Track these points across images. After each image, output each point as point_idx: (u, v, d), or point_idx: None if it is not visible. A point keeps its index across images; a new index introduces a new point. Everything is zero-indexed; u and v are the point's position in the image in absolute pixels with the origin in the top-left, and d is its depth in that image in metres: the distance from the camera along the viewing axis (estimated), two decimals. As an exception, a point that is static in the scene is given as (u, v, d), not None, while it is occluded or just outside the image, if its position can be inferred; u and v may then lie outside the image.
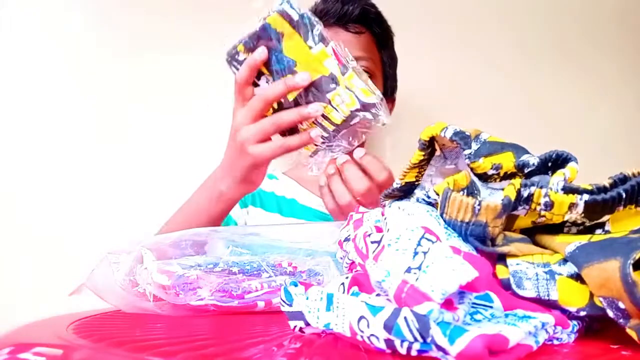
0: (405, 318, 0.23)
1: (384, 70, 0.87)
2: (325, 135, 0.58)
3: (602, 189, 0.28)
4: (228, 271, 0.45)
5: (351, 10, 0.83)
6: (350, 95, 0.54)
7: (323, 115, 0.56)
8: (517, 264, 0.29)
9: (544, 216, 0.29)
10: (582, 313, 0.27)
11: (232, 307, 0.43)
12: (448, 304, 0.23)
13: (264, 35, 0.56)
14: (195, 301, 0.43)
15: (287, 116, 0.57)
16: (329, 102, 0.55)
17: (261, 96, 0.57)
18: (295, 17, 0.55)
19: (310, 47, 0.55)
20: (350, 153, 0.59)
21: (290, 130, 0.59)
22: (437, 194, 0.32)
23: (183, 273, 0.43)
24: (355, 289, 0.31)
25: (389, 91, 0.89)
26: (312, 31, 0.55)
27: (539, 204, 0.29)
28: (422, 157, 0.37)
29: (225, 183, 0.63)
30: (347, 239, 0.39)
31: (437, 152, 0.38)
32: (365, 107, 0.55)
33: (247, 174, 0.60)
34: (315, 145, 0.59)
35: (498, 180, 0.34)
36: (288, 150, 0.58)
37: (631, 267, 0.24)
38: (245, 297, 0.44)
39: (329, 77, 0.55)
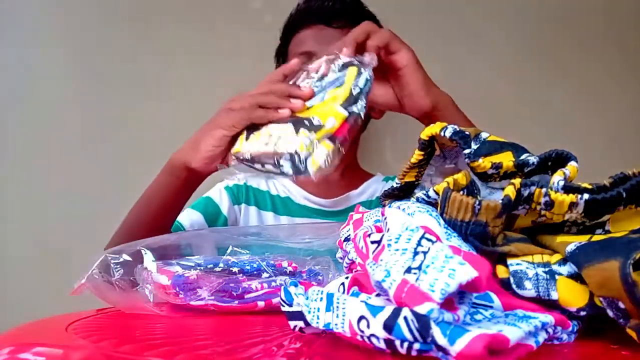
0: (405, 318, 0.23)
1: None
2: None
3: (603, 188, 0.28)
4: (228, 271, 0.45)
5: (331, 5, 0.83)
6: (308, 145, 0.50)
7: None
8: (517, 264, 0.29)
9: (544, 216, 0.29)
10: (582, 313, 0.27)
11: (232, 307, 0.43)
12: (448, 304, 0.23)
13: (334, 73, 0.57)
14: (195, 301, 0.43)
15: (269, 98, 0.56)
16: (295, 131, 0.52)
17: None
18: (361, 85, 0.54)
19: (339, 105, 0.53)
20: None
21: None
22: (437, 194, 0.32)
23: (183, 273, 0.43)
24: (355, 289, 0.31)
25: None
26: (355, 102, 0.54)
27: (539, 204, 0.29)
28: (421, 157, 0.37)
29: (178, 151, 0.64)
30: (347, 239, 0.39)
31: (437, 152, 0.38)
32: (299, 166, 0.51)
33: (201, 137, 0.60)
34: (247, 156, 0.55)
35: (498, 179, 0.34)
36: (250, 118, 0.56)
37: (631, 267, 0.24)
38: (245, 297, 0.44)
39: (317, 124, 0.52)
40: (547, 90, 1.10)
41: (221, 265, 0.45)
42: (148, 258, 0.45)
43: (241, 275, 0.45)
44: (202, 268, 0.44)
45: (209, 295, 0.43)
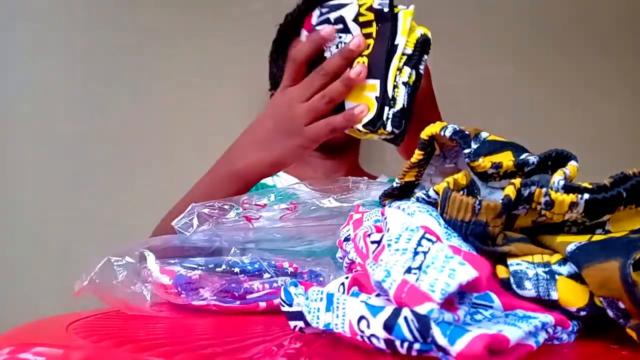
0: (405, 318, 0.23)
1: None
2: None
3: (603, 188, 0.28)
4: (230, 271, 0.45)
5: None
6: None
7: None
8: (517, 264, 0.29)
9: (544, 215, 0.29)
10: (582, 313, 0.27)
11: (234, 307, 0.43)
12: (448, 304, 0.23)
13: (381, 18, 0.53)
14: (197, 301, 0.43)
15: (335, 87, 0.54)
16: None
17: (321, 70, 0.54)
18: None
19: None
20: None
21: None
22: (437, 194, 0.32)
23: (185, 273, 0.43)
24: (355, 289, 0.31)
25: None
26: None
27: (540, 203, 0.29)
28: (421, 157, 0.37)
29: (249, 160, 0.60)
30: (347, 239, 0.39)
31: (437, 152, 0.38)
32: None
33: (290, 154, 0.58)
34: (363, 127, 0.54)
35: (498, 179, 0.34)
36: (335, 129, 0.54)
37: (631, 267, 0.24)
38: (247, 297, 0.44)
39: None
40: (544, 89, 1.10)
41: (223, 265, 0.45)
42: (151, 259, 0.45)
43: (243, 275, 0.45)
44: (203, 268, 0.44)
45: (211, 295, 0.43)
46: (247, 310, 0.43)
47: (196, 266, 0.44)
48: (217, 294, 0.43)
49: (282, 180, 0.90)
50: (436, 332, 0.22)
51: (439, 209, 0.31)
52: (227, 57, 1.02)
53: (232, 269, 0.45)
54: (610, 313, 0.26)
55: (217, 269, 0.45)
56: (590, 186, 0.28)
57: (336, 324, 0.26)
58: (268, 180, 0.89)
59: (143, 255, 0.46)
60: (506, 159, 0.33)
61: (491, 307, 0.27)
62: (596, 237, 0.28)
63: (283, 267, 0.46)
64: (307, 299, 0.29)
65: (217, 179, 0.63)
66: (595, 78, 1.12)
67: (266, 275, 0.45)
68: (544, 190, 0.28)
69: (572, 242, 0.28)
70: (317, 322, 0.27)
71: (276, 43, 0.91)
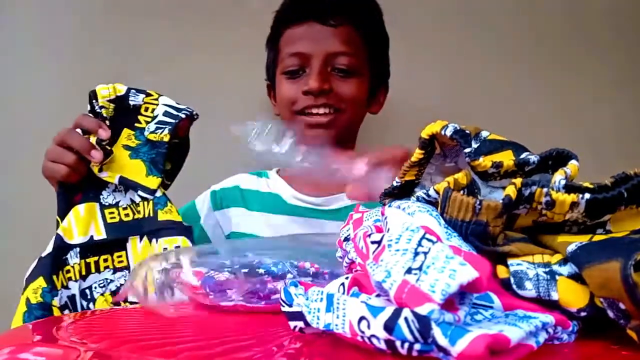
0: (405, 318, 0.23)
1: (370, 65, 0.82)
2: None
3: (604, 188, 0.28)
4: (255, 273, 0.45)
5: (326, 1, 0.78)
6: None
7: None
8: (518, 264, 0.29)
9: (545, 215, 0.29)
10: (583, 313, 0.27)
11: (259, 308, 0.44)
12: (449, 305, 0.23)
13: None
14: (224, 302, 0.43)
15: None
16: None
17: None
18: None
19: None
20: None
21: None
22: (438, 193, 0.32)
23: (213, 274, 0.44)
24: (355, 289, 0.31)
25: (377, 82, 0.85)
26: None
27: (540, 203, 0.29)
28: (422, 156, 0.37)
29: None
30: (347, 239, 0.39)
31: (437, 151, 0.38)
32: None
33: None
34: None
35: (498, 178, 0.34)
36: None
37: (632, 268, 0.24)
38: (271, 297, 0.44)
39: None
40: (542, 91, 1.10)
41: (249, 267, 0.45)
42: (186, 262, 0.45)
43: (267, 276, 0.45)
44: (230, 270, 0.45)
45: (238, 297, 0.43)
46: (271, 310, 0.44)
47: (223, 267, 0.45)
48: (244, 295, 0.43)
49: (270, 181, 0.87)
50: (437, 332, 0.22)
51: (439, 208, 0.31)
52: (226, 57, 1.02)
53: (257, 269, 0.45)
54: (610, 314, 0.26)
55: (243, 270, 0.45)
56: (591, 186, 0.28)
57: (336, 325, 0.26)
58: (251, 185, 0.86)
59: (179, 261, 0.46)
60: (507, 158, 0.33)
61: (491, 307, 0.27)
62: (597, 237, 0.28)
63: (305, 268, 0.47)
64: (307, 299, 0.29)
65: None
66: (592, 79, 1.11)
67: (289, 276, 0.46)
68: (544, 190, 0.28)
69: (573, 242, 0.28)
70: (317, 323, 0.27)
71: (271, 32, 0.86)
